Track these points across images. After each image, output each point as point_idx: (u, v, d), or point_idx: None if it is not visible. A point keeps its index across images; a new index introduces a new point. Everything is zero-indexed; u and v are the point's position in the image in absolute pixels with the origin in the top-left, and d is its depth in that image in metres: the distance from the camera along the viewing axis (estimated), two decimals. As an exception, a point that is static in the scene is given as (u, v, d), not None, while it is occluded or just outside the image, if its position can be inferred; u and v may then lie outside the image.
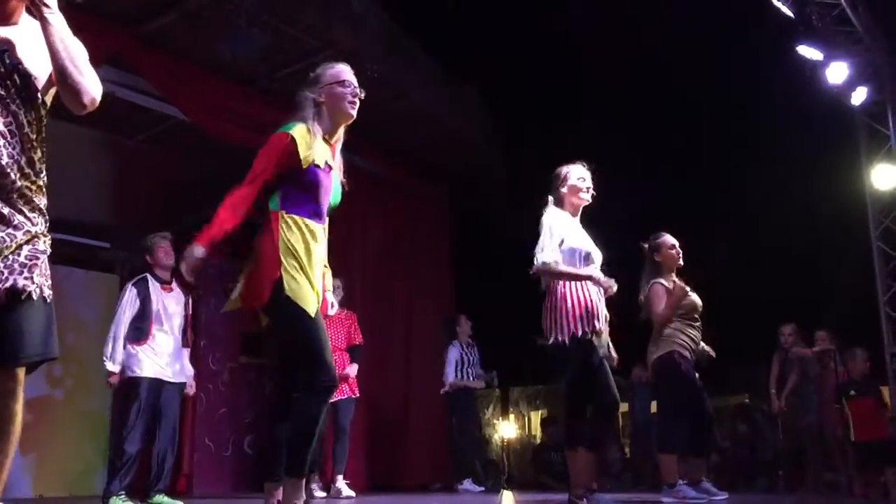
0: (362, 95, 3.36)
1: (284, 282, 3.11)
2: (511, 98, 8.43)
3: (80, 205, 7.83)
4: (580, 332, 4.26)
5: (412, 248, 9.13)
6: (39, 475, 7.33)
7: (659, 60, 7.82)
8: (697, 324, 5.35)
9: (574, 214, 4.54)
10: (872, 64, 7.59)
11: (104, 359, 5.29)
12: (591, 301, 4.33)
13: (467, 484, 7.77)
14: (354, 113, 3.35)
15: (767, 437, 8.53)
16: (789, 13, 7.10)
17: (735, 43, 7.28)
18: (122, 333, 5.31)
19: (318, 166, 3.23)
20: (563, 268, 4.32)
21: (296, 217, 3.21)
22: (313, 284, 3.20)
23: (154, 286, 5.45)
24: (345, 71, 3.39)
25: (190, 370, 5.63)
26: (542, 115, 8.37)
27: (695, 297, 5.37)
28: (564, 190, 4.54)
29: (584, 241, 4.46)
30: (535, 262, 4.32)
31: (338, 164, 3.41)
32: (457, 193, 9.48)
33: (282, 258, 3.14)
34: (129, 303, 5.39)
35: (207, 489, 7.48)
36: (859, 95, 7.58)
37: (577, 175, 4.54)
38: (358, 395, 6.75)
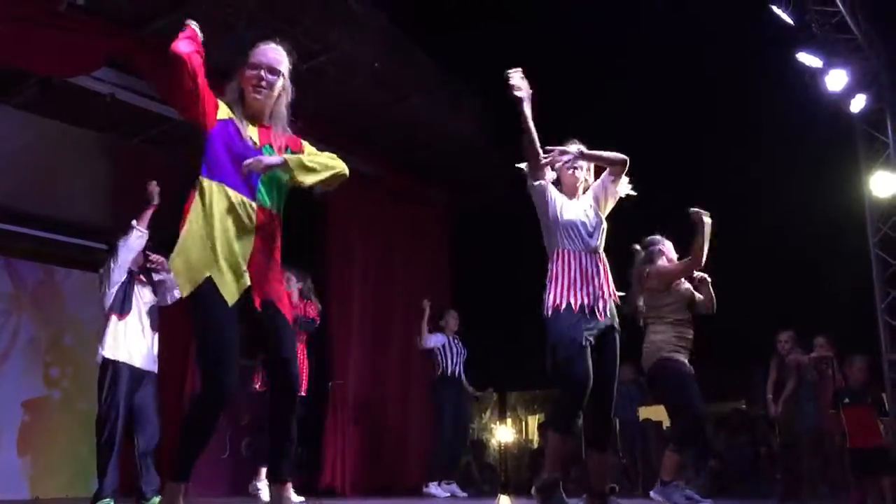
0: (277, 78, 3.17)
1: (175, 258, 2.92)
2: (511, 100, 8.43)
3: (78, 206, 7.83)
4: (564, 305, 3.93)
5: (410, 251, 9.13)
6: (36, 476, 7.30)
7: (659, 66, 7.82)
8: (689, 323, 5.35)
9: (570, 197, 4.26)
10: (871, 71, 7.61)
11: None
12: (582, 273, 4.02)
13: (433, 487, 7.40)
14: (258, 97, 3.13)
15: (764, 443, 8.54)
16: (789, 20, 7.12)
17: (735, 50, 7.29)
18: (124, 271, 5.33)
19: (238, 128, 3.06)
20: (595, 152, 4.17)
21: (213, 182, 2.99)
22: (220, 261, 2.89)
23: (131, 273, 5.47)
24: (259, 52, 3.20)
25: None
26: (542, 118, 8.37)
27: (689, 288, 5.38)
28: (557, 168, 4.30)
29: (577, 214, 4.16)
30: (570, 150, 4.15)
31: (278, 144, 3.16)
32: (456, 196, 9.49)
33: (182, 233, 2.92)
34: (136, 243, 5.38)
35: (203, 491, 7.46)
36: (858, 103, 7.60)
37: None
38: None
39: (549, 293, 4.01)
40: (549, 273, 4.08)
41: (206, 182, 2.99)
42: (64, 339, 7.78)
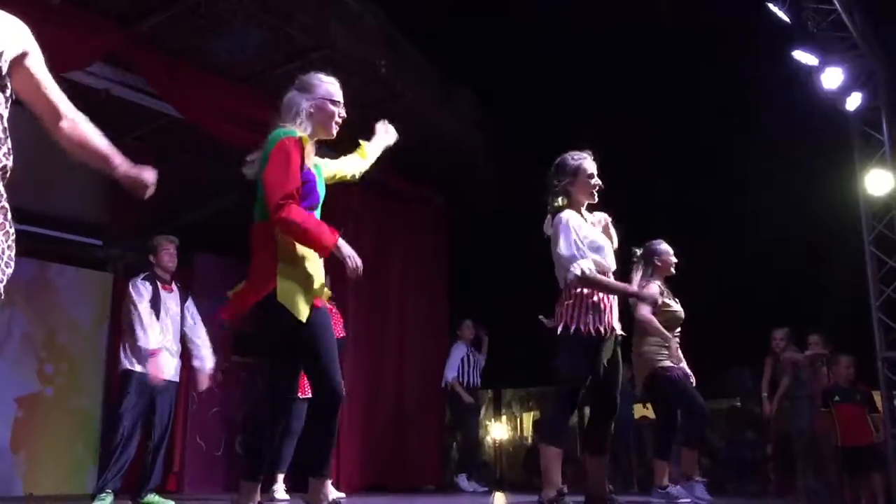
0: (345, 117, 3.45)
1: (278, 289, 3.15)
2: (507, 100, 8.43)
3: (72, 202, 7.81)
4: (593, 329, 4.05)
5: (407, 251, 9.11)
6: (30, 473, 7.29)
7: (655, 64, 7.82)
8: (676, 337, 5.40)
9: (578, 210, 4.29)
10: (867, 70, 7.61)
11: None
12: (609, 300, 4.17)
13: (463, 480, 7.87)
14: (334, 135, 3.45)
15: (758, 441, 8.56)
16: (785, 18, 7.11)
17: (730, 48, 7.29)
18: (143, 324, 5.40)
19: (312, 171, 3.30)
20: (602, 279, 4.12)
21: None
22: (313, 285, 3.25)
23: (157, 284, 5.58)
24: (339, 91, 3.46)
25: (210, 361, 5.71)
26: (539, 117, 8.36)
27: (677, 309, 5.43)
28: (574, 187, 4.27)
29: (595, 235, 4.24)
30: (572, 271, 4.06)
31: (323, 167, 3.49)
32: (452, 196, 9.47)
33: (279, 265, 3.19)
34: (146, 291, 5.47)
35: (198, 488, 7.46)
36: (854, 101, 7.60)
37: (589, 172, 4.28)
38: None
39: (577, 313, 4.08)
40: (570, 294, 4.12)
41: None
42: (58, 336, 7.76)
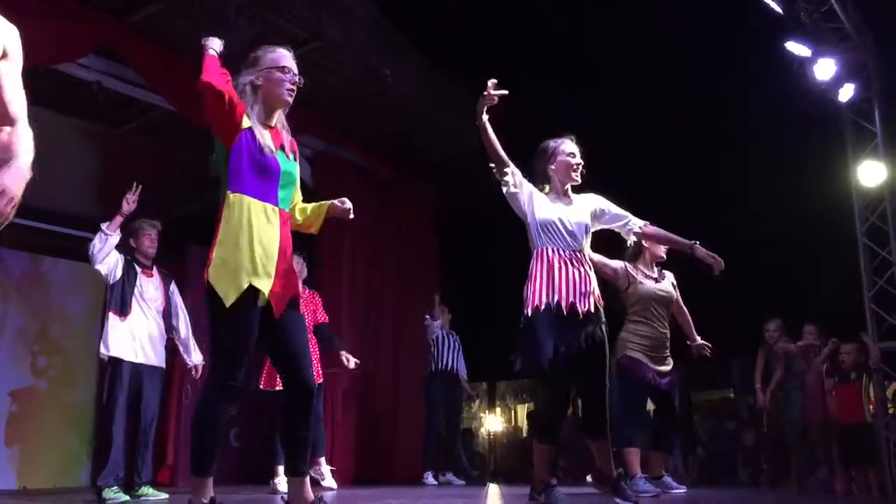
0: (300, 83, 3.30)
1: (211, 268, 3.05)
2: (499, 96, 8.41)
3: (65, 195, 7.77)
4: (543, 305, 3.91)
5: (398, 243, 9.11)
6: (23, 467, 7.28)
7: (647, 56, 7.81)
8: (658, 322, 5.38)
9: (559, 195, 4.19)
10: (860, 61, 7.63)
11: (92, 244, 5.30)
12: (561, 273, 3.98)
13: (428, 477, 7.74)
14: (290, 100, 3.28)
15: (752, 432, 8.59)
16: (778, 9, 7.12)
17: (723, 39, 7.29)
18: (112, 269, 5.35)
19: (259, 140, 3.15)
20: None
21: (242, 195, 3.11)
22: (255, 269, 3.04)
23: (136, 268, 5.49)
24: (286, 56, 3.31)
25: (192, 351, 5.66)
26: (531, 113, 8.35)
27: (650, 288, 5.43)
28: (553, 166, 4.19)
29: (558, 213, 4.12)
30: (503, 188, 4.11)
31: (288, 147, 3.31)
32: (443, 189, 9.46)
33: (215, 244, 3.08)
34: (118, 263, 5.40)
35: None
36: (846, 92, 7.62)
37: (568, 151, 4.20)
38: (321, 380, 6.33)
39: (528, 292, 4.00)
40: (529, 272, 4.07)
41: (232, 196, 3.11)
42: (51, 329, 7.74)
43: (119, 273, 5.38)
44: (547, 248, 4.04)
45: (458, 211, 9.55)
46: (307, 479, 3.18)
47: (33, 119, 2.15)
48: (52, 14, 5.21)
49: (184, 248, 7.71)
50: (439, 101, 8.25)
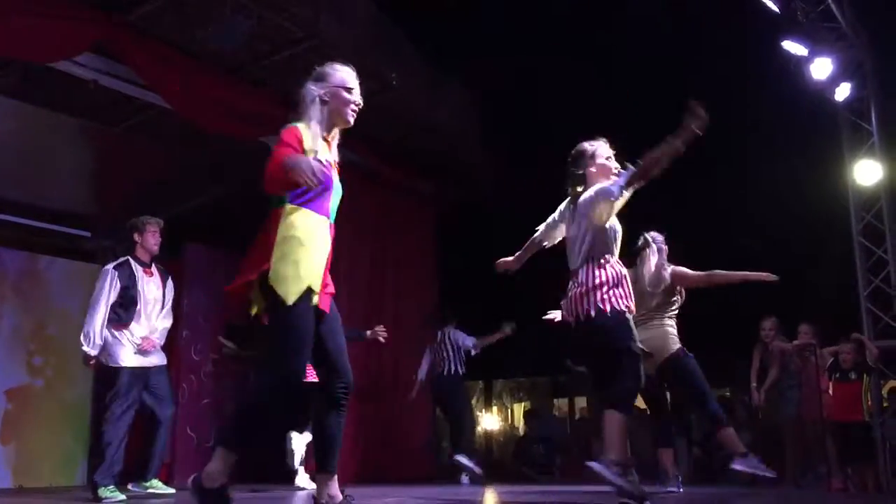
0: (361, 104, 3.40)
1: (272, 271, 3.11)
2: (498, 92, 8.42)
3: (61, 194, 7.78)
4: (625, 310, 3.99)
5: (398, 243, 9.10)
6: (19, 465, 7.28)
7: (644, 55, 7.82)
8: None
9: None
10: (856, 60, 7.64)
11: (82, 342, 5.27)
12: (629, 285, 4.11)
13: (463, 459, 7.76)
14: (351, 122, 3.40)
15: (748, 431, 8.60)
16: (775, 8, 7.14)
17: (720, 38, 7.30)
18: (101, 317, 5.31)
19: (319, 160, 3.16)
20: (650, 157, 4.16)
21: (300, 207, 3.21)
22: (311, 275, 3.16)
23: (136, 270, 5.49)
24: (353, 77, 3.42)
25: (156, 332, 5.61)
26: (529, 110, 8.36)
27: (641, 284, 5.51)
28: (593, 169, 4.20)
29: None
30: (613, 196, 4.01)
31: (334, 160, 3.41)
32: (443, 187, 9.47)
33: (275, 248, 3.14)
34: (111, 286, 5.38)
35: (189, 479, 7.45)
36: (843, 91, 7.64)
37: (606, 154, 4.24)
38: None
39: (612, 296, 3.98)
40: (604, 276, 4.02)
41: (289, 207, 3.20)
42: (47, 328, 7.75)
43: (119, 287, 5.39)
44: (614, 255, 4.13)
45: (457, 210, 9.55)
46: (335, 477, 3.25)
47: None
48: (48, 12, 5.19)
49: (181, 246, 7.71)
50: (438, 99, 8.25)
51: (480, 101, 8.69)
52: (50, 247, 7.77)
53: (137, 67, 6.22)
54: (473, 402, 12.03)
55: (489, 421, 11.95)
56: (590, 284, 3.99)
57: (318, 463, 3.34)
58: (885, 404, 7.73)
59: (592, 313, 3.94)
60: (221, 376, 8.10)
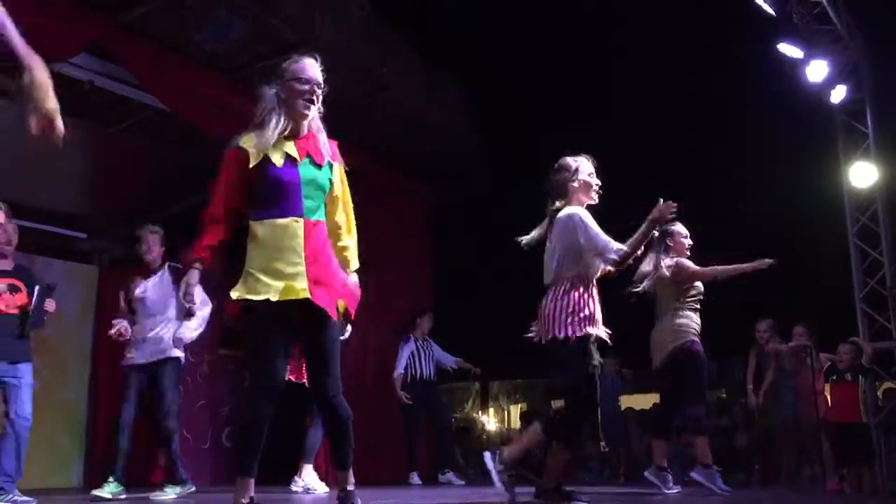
0: (321, 92, 3.32)
1: (238, 292, 3.19)
2: (492, 92, 8.42)
3: (57, 195, 7.76)
4: (593, 335, 3.99)
5: (391, 244, 9.07)
6: (15, 466, 7.26)
7: (639, 57, 7.83)
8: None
9: None
10: (851, 62, 7.67)
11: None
12: (597, 307, 4.09)
13: (450, 476, 7.85)
14: (308, 112, 3.28)
15: (743, 432, 8.61)
16: (770, 11, 7.15)
17: (716, 40, 7.31)
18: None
19: (274, 164, 3.19)
20: (636, 238, 4.09)
21: (263, 221, 3.21)
22: (276, 275, 3.16)
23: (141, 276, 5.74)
24: (308, 67, 3.32)
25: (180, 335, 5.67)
26: (524, 111, 8.36)
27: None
28: (575, 184, 4.20)
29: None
30: (611, 256, 4.00)
31: (324, 151, 3.36)
32: (437, 187, 9.46)
33: (244, 273, 3.21)
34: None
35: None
36: (838, 93, 7.66)
37: (589, 171, 4.25)
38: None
39: (573, 321, 3.98)
40: (571, 298, 4.03)
41: (255, 226, 3.24)
42: (44, 329, 7.71)
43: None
44: (587, 274, 4.11)
45: (451, 210, 9.55)
46: (350, 472, 3.37)
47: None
48: (44, 13, 5.18)
49: (176, 247, 7.70)
50: (433, 99, 8.25)
51: (475, 101, 8.69)
52: (45, 248, 7.74)
53: (133, 68, 6.22)
54: (469, 403, 12.03)
55: (486, 422, 11.94)
56: (553, 306, 4.03)
57: (336, 460, 3.50)
58: (880, 401, 7.76)
59: (552, 336, 4.00)
60: (217, 378, 8.09)
